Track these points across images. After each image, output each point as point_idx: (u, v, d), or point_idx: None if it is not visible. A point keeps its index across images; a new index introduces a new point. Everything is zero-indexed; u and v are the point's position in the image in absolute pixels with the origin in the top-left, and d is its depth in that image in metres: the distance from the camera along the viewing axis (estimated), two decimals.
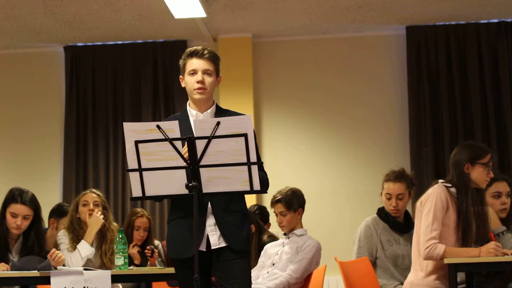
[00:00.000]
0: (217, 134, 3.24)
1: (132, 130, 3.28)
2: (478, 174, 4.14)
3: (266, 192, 3.66)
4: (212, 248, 3.52)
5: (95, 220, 4.93)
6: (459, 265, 3.97)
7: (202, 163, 3.26)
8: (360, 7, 6.64)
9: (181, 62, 3.70)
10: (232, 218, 3.56)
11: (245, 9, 6.63)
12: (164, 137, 3.25)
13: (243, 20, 6.93)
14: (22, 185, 4.72)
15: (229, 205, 3.55)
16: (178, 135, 3.26)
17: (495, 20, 7.08)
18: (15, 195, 4.60)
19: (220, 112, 3.69)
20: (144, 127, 3.30)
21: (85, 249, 4.83)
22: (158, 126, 3.26)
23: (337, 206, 7.15)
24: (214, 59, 3.67)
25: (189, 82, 3.64)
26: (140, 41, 7.43)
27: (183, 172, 3.29)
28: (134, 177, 3.30)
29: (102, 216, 4.95)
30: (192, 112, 3.67)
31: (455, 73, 7.05)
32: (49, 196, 6.83)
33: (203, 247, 3.51)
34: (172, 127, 3.27)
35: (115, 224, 5.16)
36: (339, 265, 4.53)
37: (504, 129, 6.95)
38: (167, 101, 7.34)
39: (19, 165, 7.41)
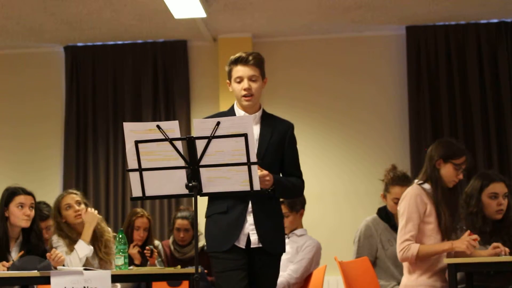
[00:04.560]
0: (217, 134, 3.25)
1: (132, 130, 3.29)
2: (447, 173, 4.17)
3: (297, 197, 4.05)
4: (252, 246, 3.57)
5: (91, 216, 4.83)
6: (459, 265, 3.97)
7: (202, 163, 3.27)
8: (360, 7, 6.63)
9: (227, 68, 3.76)
10: (270, 220, 3.61)
11: (245, 9, 6.62)
12: (164, 137, 3.26)
13: (243, 20, 6.92)
14: (22, 185, 4.70)
15: (268, 204, 3.61)
16: (178, 135, 3.27)
17: (495, 20, 7.07)
18: (15, 189, 4.58)
19: (267, 116, 3.77)
20: (144, 127, 3.31)
21: (83, 248, 4.76)
22: (158, 126, 3.26)
23: (337, 206, 7.14)
24: (259, 63, 3.76)
25: (236, 89, 3.71)
26: (140, 41, 7.43)
27: (183, 172, 3.30)
28: (134, 177, 3.31)
29: (96, 211, 4.90)
30: (240, 112, 3.72)
31: (455, 73, 7.04)
32: (49, 196, 6.78)
33: (242, 245, 3.57)
34: (172, 127, 3.28)
35: (99, 216, 5.04)
36: (339, 265, 4.52)
37: (504, 129, 6.93)
38: (167, 101, 7.33)
39: (19, 165, 7.40)
